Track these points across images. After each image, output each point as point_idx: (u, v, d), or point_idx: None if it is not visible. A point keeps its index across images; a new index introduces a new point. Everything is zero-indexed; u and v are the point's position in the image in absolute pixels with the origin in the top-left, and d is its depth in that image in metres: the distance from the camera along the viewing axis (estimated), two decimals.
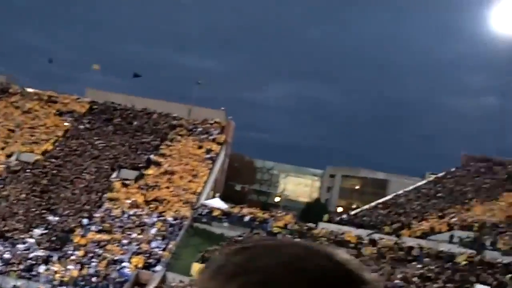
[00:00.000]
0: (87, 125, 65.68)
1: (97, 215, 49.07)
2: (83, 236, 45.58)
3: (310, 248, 1.02)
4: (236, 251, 1.03)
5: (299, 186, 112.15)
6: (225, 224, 49.47)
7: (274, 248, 1.01)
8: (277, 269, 0.97)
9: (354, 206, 73.55)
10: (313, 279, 0.96)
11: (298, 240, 1.05)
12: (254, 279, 0.96)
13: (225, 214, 50.59)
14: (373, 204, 62.06)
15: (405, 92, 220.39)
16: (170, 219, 48.81)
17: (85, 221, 47.90)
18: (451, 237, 45.41)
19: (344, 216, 60.52)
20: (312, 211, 71.18)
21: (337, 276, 0.97)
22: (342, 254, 1.02)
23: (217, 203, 52.88)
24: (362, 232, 47.46)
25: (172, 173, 57.18)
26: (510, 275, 35.20)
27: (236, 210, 52.28)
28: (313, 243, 1.06)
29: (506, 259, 38.26)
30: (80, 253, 43.23)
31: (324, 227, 50.13)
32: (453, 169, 66.41)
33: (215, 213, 50.34)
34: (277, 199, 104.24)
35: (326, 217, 57.24)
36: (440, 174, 66.22)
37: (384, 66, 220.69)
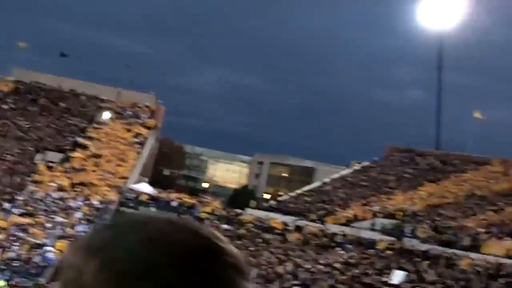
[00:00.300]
0: (11, 105, 63.87)
1: (20, 197, 47.92)
2: (4, 219, 44.47)
3: (175, 223, 1.02)
4: (104, 227, 1.04)
5: (227, 173, 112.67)
6: (152, 209, 49.23)
7: (140, 224, 1.02)
8: (139, 245, 0.97)
9: (281, 193, 74.52)
10: (175, 254, 0.96)
11: (167, 216, 1.07)
12: (116, 255, 0.97)
13: (153, 199, 50.39)
14: (299, 191, 63.10)
15: (335, 83, 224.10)
16: (96, 203, 48.24)
17: (7, 203, 46.74)
18: (373, 224, 46.79)
19: (271, 202, 61.35)
20: (240, 198, 71.75)
21: (200, 249, 0.98)
22: (206, 228, 1.04)
23: (145, 187, 52.59)
24: (288, 219, 48.23)
25: (99, 156, 56.42)
26: (427, 262, 36.61)
27: (163, 195, 52.17)
28: (181, 218, 1.07)
29: (424, 247, 39.75)
30: (1, 236, 42.19)
31: (251, 213, 50.65)
32: (377, 159, 68.24)
33: (142, 198, 50.06)
34: (205, 185, 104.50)
35: (253, 203, 57.86)
36: (365, 163, 67.91)
37: (316, 58, 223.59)
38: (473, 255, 37.37)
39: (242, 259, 1.03)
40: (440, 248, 39.34)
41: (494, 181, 56.19)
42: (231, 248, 1.02)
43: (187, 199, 51.61)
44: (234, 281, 0.98)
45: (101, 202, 48.41)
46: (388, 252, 39.27)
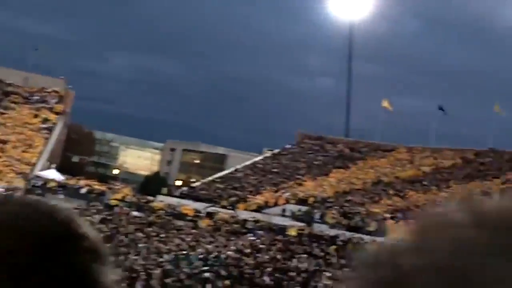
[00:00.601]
0: None
1: None
2: None
3: (31, 206, 0.96)
4: None
5: (139, 159, 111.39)
6: (61, 196, 48.05)
7: None
8: None
9: (193, 180, 74.42)
10: (27, 239, 0.90)
11: (24, 197, 1.03)
12: None
13: (61, 186, 49.18)
14: (211, 178, 63.22)
15: (248, 70, 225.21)
16: (1, 190, 46.59)
17: None
18: (284, 210, 47.52)
19: (183, 189, 61.17)
20: (152, 184, 71.08)
21: (56, 233, 0.93)
22: (65, 212, 0.97)
23: (53, 174, 51.26)
24: (200, 206, 48.26)
25: (5, 142, 54.58)
26: (334, 247, 37.56)
27: (72, 182, 51.01)
28: (39, 201, 1.00)
29: (332, 232, 40.80)
30: None
31: (162, 200, 50.34)
32: (288, 146, 69.25)
33: (50, 185, 48.77)
34: (116, 171, 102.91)
35: (165, 190, 57.49)
36: (276, 151, 68.78)
37: (229, 44, 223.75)
38: (379, 239, 38.65)
39: (100, 242, 0.97)
40: (347, 233, 40.47)
41: (400, 168, 58.26)
42: (89, 232, 0.97)
43: (97, 186, 50.72)
44: (89, 267, 0.93)
45: (7, 190, 46.66)
46: (298, 237, 40.01)
